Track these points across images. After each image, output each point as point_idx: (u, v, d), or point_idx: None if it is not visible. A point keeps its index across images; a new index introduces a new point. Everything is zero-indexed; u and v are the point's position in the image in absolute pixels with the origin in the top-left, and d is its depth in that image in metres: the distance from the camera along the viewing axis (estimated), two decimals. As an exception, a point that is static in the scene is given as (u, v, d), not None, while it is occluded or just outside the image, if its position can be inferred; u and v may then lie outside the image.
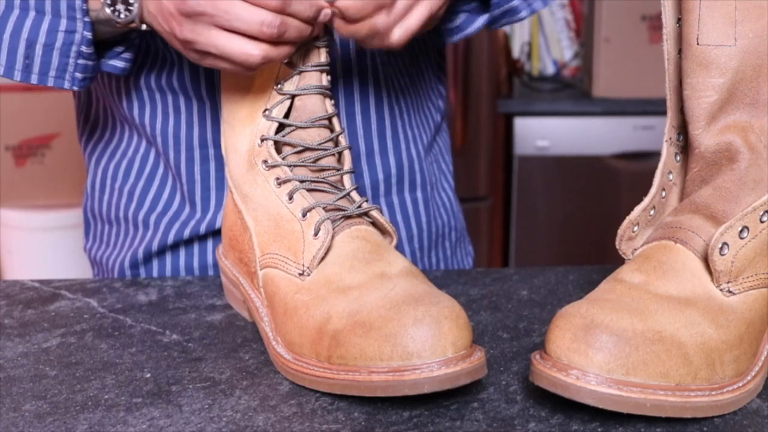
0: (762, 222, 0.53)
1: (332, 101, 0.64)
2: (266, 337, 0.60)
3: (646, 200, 0.59)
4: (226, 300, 0.71)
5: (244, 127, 0.63)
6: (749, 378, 0.53)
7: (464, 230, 0.97)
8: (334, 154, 0.63)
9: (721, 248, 0.52)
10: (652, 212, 0.59)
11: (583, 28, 2.43)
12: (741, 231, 0.53)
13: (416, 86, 0.87)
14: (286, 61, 0.62)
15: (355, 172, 0.77)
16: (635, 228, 0.58)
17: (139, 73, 0.80)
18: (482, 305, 0.69)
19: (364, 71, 0.80)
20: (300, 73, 0.62)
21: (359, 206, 0.60)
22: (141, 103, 0.80)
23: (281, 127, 0.62)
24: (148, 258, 0.82)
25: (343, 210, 0.60)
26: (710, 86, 0.55)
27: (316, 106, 0.62)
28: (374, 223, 0.61)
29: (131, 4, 0.66)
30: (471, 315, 0.67)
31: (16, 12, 0.70)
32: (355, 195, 0.62)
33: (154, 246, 0.81)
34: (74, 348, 0.62)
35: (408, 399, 0.53)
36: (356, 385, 0.51)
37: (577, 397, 0.48)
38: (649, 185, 0.59)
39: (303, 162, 0.61)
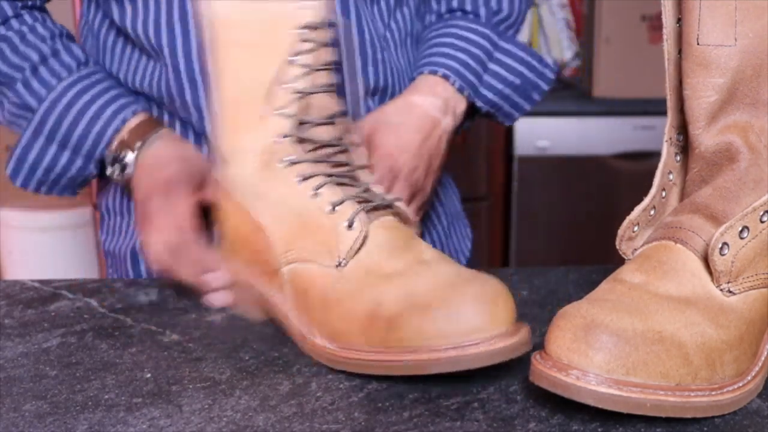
0: (762, 222, 0.53)
1: (339, 99, 0.64)
2: (297, 334, 0.61)
3: (646, 200, 0.59)
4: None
5: (255, 126, 0.63)
6: (749, 378, 0.53)
7: (458, 214, 0.98)
8: (347, 150, 0.63)
9: (721, 248, 0.52)
10: (652, 212, 0.59)
11: (583, 28, 2.43)
12: (741, 231, 0.53)
13: (404, 68, 0.88)
14: (291, 59, 0.62)
15: None
16: (635, 228, 0.58)
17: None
18: (482, 305, 0.69)
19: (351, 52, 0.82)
20: (310, 72, 0.62)
21: (383, 198, 0.61)
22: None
23: (304, 122, 0.63)
24: None
25: (371, 202, 0.61)
26: (710, 86, 0.55)
27: (326, 103, 0.63)
28: (397, 214, 0.62)
29: (124, 169, 0.80)
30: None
31: (41, 141, 0.82)
32: (375, 188, 0.62)
33: None
34: (74, 348, 0.62)
35: (408, 399, 0.53)
36: (420, 365, 0.53)
37: (577, 397, 0.48)
38: (649, 185, 0.59)
39: (321, 158, 0.62)
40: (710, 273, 0.53)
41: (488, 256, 2.34)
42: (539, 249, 2.33)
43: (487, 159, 2.28)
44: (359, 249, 0.59)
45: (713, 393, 0.50)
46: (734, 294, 0.53)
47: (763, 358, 0.54)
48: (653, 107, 2.16)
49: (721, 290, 0.53)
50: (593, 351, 0.48)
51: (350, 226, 0.59)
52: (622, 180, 2.25)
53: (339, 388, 0.55)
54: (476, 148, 2.26)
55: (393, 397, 0.53)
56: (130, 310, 0.69)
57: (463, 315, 0.52)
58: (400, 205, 0.62)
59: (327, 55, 0.63)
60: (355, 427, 0.50)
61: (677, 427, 0.50)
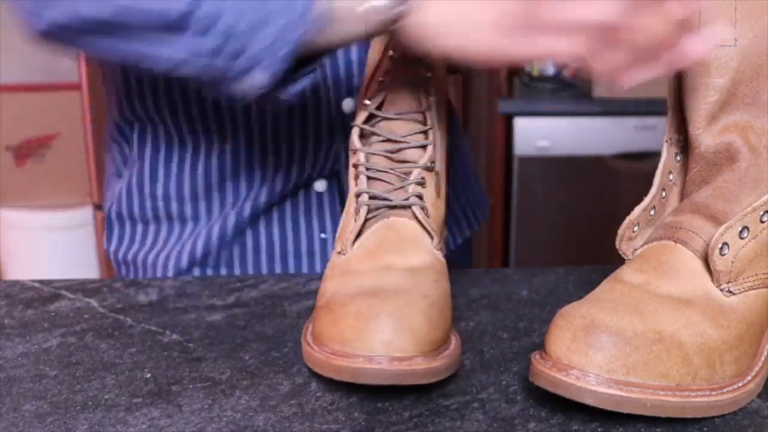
0: (762, 222, 0.53)
1: (430, 96, 0.64)
2: None
3: (646, 200, 0.59)
4: (227, 300, 0.71)
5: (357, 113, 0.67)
6: (749, 378, 0.53)
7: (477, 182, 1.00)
8: (418, 147, 0.63)
9: (721, 248, 0.52)
10: (652, 212, 0.59)
11: (583, 28, 2.43)
12: (741, 231, 0.53)
13: None
14: (390, 54, 0.63)
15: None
16: (635, 228, 0.58)
17: None
18: (482, 305, 0.69)
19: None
20: (396, 66, 0.63)
21: (406, 199, 0.61)
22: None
23: (375, 116, 0.64)
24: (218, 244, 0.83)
25: (388, 200, 0.61)
26: (710, 86, 0.55)
27: (405, 99, 0.64)
28: (415, 217, 0.62)
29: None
30: (471, 315, 0.67)
31: None
32: (411, 188, 0.62)
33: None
34: (74, 348, 0.62)
35: (408, 399, 0.53)
36: (308, 358, 0.56)
37: (577, 397, 0.48)
38: (649, 185, 0.59)
39: (383, 151, 0.63)
40: (710, 273, 0.53)
41: (488, 256, 2.34)
42: (539, 249, 2.33)
43: (487, 159, 2.28)
44: (354, 241, 0.61)
45: (713, 393, 0.50)
46: (734, 294, 0.53)
47: (763, 358, 0.54)
48: (653, 107, 2.16)
49: (721, 290, 0.53)
50: (593, 351, 0.48)
51: (356, 219, 0.61)
52: (622, 180, 2.26)
53: (339, 388, 0.55)
54: (476, 148, 2.26)
55: (393, 397, 0.53)
56: (130, 310, 0.69)
57: (340, 324, 0.52)
58: (417, 211, 0.61)
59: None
60: (355, 427, 0.50)
61: (677, 427, 0.50)
